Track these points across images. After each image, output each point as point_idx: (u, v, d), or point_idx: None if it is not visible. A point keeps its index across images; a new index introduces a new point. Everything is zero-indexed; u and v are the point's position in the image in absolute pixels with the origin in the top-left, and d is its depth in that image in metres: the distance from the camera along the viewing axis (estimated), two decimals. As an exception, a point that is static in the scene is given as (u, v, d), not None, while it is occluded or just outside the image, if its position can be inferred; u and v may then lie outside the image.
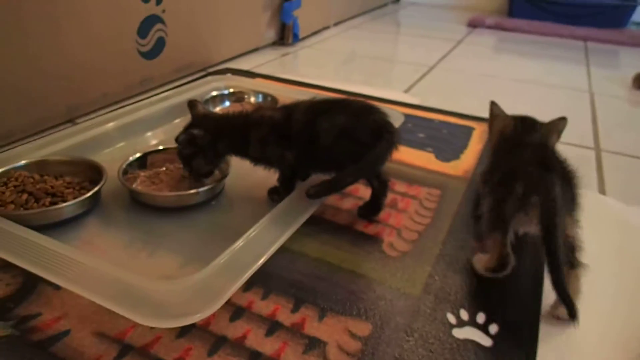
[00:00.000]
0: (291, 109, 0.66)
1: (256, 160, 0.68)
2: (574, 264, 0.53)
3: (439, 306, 0.54)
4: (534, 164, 0.56)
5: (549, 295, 0.57)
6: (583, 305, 0.56)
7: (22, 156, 0.71)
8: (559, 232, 0.50)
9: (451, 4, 2.51)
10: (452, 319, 0.53)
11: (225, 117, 0.69)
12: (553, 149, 0.63)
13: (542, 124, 0.66)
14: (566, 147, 0.96)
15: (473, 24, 2.08)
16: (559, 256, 0.50)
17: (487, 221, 0.57)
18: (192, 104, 0.71)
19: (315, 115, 0.63)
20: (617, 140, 1.02)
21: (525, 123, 0.66)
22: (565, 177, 0.56)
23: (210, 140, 0.66)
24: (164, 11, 1.08)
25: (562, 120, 0.66)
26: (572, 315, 0.51)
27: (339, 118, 0.62)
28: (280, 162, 0.66)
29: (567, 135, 1.02)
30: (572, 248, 0.53)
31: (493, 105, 0.72)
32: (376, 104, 0.65)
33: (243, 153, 0.68)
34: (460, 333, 0.51)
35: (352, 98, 0.66)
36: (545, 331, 0.52)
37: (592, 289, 0.59)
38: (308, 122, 0.63)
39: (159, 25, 1.08)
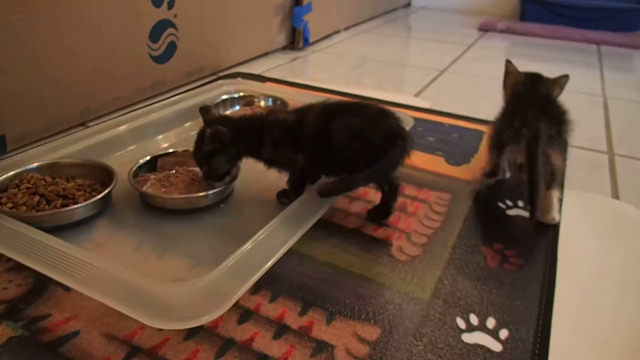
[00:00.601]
0: (304, 111, 0.66)
1: (269, 162, 0.68)
2: (550, 186, 0.69)
3: (449, 311, 0.54)
4: (533, 108, 0.71)
5: (561, 299, 0.56)
6: (594, 309, 0.56)
7: (34, 158, 0.72)
8: (539, 159, 0.65)
9: (462, 9, 2.51)
10: (461, 323, 0.52)
11: (242, 118, 0.69)
12: (554, 99, 0.76)
13: (547, 79, 0.78)
14: (579, 151, 0.95)
15: (484, 28, 2.07)
16: (536, 175, 0.65)
17: (490, 143, 0.76)
18: (205, 109, 0.71)
19: (328, 117, 0.63)
20: (631, 144, 1.01)
21: (534, 77, 0.79)
22: (559, 121, 0.71)
23: (231, 137, 0.66)
24: (175, 16, 1.09)
25: (565, 77, 0.78)
26: (531, 217, 0.66)
27: (353, 120, 0.62)
28: (292, 164, 0.66)
29: (580, 139, 1.01)
30: (552, 174, 0.69)
31: (508, 63, 0.82)
32: (390, 109, 0.65)
33: (257, 155, 0.68)
34: (469, 338, 0.50)
35: (366, 102, 0.66)
36: (556, 337, 0.51)
37: (605, 293, 0.58)
38: (321, 125, 0.63)
39: (170, 30, 1.09)
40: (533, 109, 0.70)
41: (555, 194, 0.69)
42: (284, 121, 0.66)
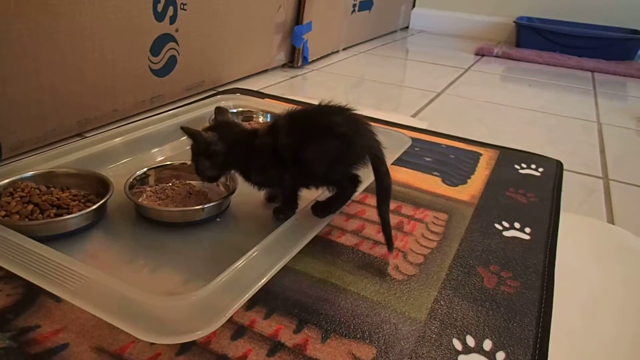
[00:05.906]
0: (275, 131, 0.64)
1: (259, 184, 0.68)
2: None
3: (445, 332, 0.53)
4: None
5: (557, 322, 0.55)
6: (591, 333, 0.55)
7: (30, 167, 0.71)
8: None
9: (459, 33, 2.55)
10: (458, 345, 0.51)
11: (241, 134, 0.67)
12: None
13: None
14: (576, 175, 0.96)
15: (481, 53, 2.10)
16: None
17: None
18: (221, 109, 0.70)
19: (300, 138, 0.62)
20: (626, 170, 1.02)
21: None
22: None
23: (223, 149, 0.64)
24: (177, 30, 1.10)
25: None
26: None
27: (330, 143, 0.61)
28: (281, 183, 0.66)
29: (576, 164, 1.02)
30: None
31: None
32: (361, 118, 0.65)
33: (247, 176, 0.67)
34: (466, 360, 0.50)
35: (331, 109, 0.64)
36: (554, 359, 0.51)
37: (601, 317, 0.58)
38: (294, 146, 0.62)
39: (171, 44, 1.10)
40: None
41: None
42: (267, 146, 0.64)
